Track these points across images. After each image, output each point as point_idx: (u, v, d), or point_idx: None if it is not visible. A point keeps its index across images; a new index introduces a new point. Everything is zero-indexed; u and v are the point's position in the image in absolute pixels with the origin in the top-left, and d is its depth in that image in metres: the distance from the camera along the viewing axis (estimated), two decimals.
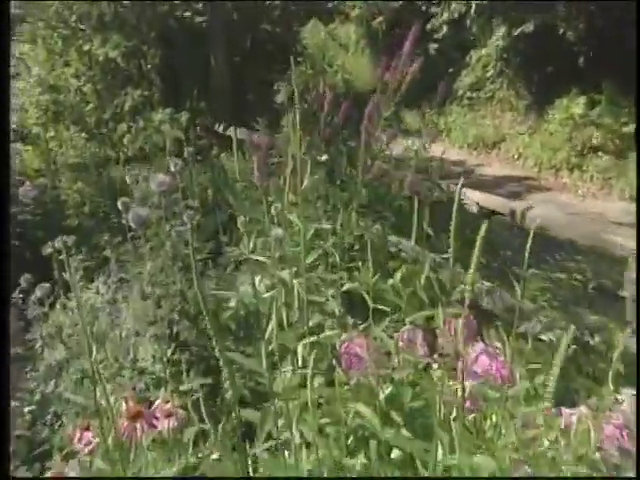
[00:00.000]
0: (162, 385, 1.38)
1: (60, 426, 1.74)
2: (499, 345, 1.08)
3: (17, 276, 2.75)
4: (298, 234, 1.51)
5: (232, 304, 2.40)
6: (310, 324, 1.03)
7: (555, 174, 6.95)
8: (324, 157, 2.76)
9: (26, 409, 1.81)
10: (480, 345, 1.05)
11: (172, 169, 1.63)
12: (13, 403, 1.86)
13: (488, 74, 8.96)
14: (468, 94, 9.18)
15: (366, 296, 1.42)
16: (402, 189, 2.25)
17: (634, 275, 1.94)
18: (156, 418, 1.20)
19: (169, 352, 1.38)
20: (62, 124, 5.42)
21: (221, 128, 4.11)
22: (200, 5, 4.76)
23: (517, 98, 8.45)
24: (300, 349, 0.95)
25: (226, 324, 2.23)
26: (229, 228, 3.05)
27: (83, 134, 5.24)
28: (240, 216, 1.34)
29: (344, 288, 1.64)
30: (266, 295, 1.07)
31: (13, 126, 5.86)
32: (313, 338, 0.96)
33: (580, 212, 5.83)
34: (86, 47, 5.25)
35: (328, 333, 0.98)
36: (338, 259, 1.74)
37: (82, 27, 5.42)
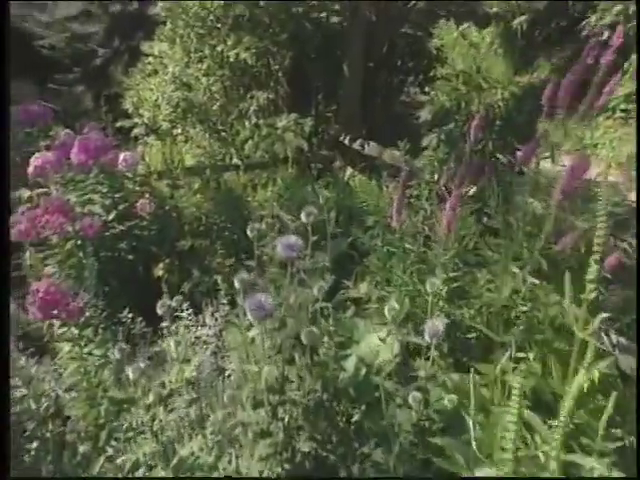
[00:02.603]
0: None
1: None
2: None
3: (131, 292, 2.64)
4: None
5: (351, 363, 2.05)
6: None
7: None
8: (471, 191, 2.30)
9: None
10: None
11: (304, 220, 1.31)
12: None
13: None
14: (622, 106, 8.03)
15: None
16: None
17: None
18: None
19: (280, 469, 1.07)
20: (189, 122, 5.47)
21: (347, 140, 3.79)
22: (337, 6, 4.46)
23: None
24: None
25: (344, 389, 1.88)
26: (349, 260, 2.70)
27: (207, 134, 5.24)
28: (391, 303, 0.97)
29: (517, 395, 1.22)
30: None
31: (145, 120, 6.09)
32: None
33: None
34: (219, 47, 5.22)
35: None
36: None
37: (218, 26, 5.42)
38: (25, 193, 2.73)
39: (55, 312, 1.52)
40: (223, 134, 5.05)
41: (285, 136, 3.72)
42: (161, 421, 1.21)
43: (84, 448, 1.56)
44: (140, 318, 2.32)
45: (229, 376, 2.14)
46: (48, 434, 1.91)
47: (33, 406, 2.00)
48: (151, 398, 1.17)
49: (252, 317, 1.01)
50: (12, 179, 3.53)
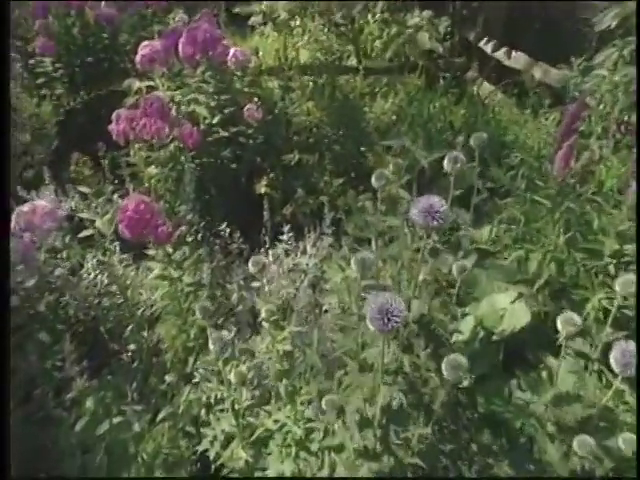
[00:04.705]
0: None
1: None
2: None
3: (230, 204, 2.47)
4: None
5: (468, 324, 1.76)
6: None
7: None
8: None
9: None
10: None
11: (448, 169, 0.98)
12: None
13: None
14: None
15: None
16: None
17: None
18: None
19: None
20: (309, 13, 5.02)
21: (489, 47, 3.18)
22: None
23: None
24: None
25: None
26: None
27: (326, 28, 4.77)
28: None
29: None
30: None
31: (263, 8, 5.69)
32: None
33: None
34: None
35: None
36: None
37: None
38: (134, 84, 2.57)
39: (144, 232, 1.37)
40: (343, 29, 4.57)
41: (418, 36, 3.18)
42: (246, 399, 1.04)
43: (170, 377, 1.47)
44: (238, 234, 2.18)
45: (326, 312, 1.96)
46: (143, 340, 1.89)
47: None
48: (233, 379, 0.98)
49: (373, 327, 0.75)
50: (125, 65, 3.41)
